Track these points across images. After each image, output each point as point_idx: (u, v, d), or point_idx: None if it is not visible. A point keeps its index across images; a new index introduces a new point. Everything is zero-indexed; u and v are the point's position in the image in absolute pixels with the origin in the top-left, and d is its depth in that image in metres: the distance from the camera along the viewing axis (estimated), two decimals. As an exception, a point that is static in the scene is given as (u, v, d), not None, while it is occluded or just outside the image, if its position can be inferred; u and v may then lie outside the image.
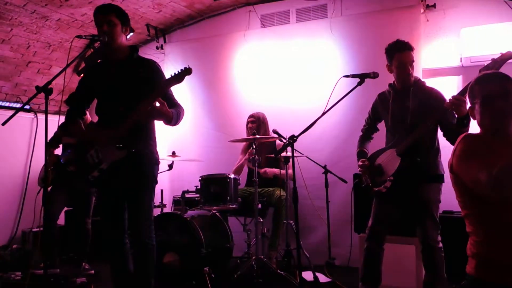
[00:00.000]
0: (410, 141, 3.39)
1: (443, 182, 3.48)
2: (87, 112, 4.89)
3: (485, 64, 3.10)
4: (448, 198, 3.46)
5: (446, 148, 3.44)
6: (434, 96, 3.48)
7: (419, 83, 3.60)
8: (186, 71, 3.09)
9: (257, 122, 5.31)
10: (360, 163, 3.74)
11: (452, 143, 3.38)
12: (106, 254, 3.43)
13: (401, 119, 3.55)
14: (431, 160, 3.49)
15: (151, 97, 3.08)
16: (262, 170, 5.13)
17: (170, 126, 3.33)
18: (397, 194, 3.50)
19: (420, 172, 3.43)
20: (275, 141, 5.23)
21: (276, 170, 5.14)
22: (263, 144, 5.26)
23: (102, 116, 3.40)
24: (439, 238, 3.42)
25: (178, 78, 3.09)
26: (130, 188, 3.26)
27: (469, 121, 3.17)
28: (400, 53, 3.54)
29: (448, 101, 3.17)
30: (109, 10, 3.25)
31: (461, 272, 4.24)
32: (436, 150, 3.53)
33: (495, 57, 3.09)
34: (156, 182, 3.40)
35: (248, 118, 5.38)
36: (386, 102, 3.71)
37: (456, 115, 3.16)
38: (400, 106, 3.57)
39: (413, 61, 3.54)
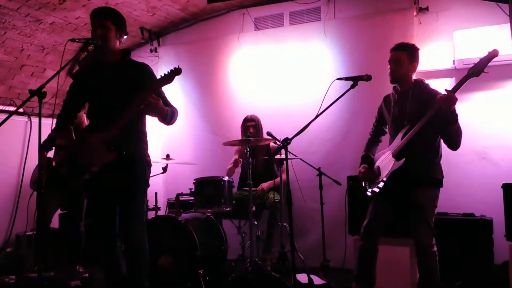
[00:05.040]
0: (404, 143, 3.39)
1: (441, 186, 3.48)
2: (84, 116, 4.89)
3: (474, 63, 3.16)
4: (442, 199, 3.49)
5: (457, 152, 3.47)
6: (434, 98, 3.37)
7: (421, 85, 3.58)
8: (176, 71, 3.09)
9: (257, 126, 5.32)
10: (361, 169, 3.78)
11: (448, 145, 3.41)
12: (98, 257, 3.42)
13: (399, 121, 3.56)
14: (427, 163, 3.46)
15: (142, 96, 3.08)
16: (259, 188, 5.16)
17: (164, 124, 3.33)
18: (391, 196, 3.52)
19: (415, 175, 3.42)
20: (269, 143, 5.24)
21: (271, 183, 5.16)
22: (257, 147, 5.26)
23: (93, 119, 3.40)
24: (434, 242, 3.42)
25: (168, 78, 3.09)
26: (122, 191, 3.25)
27: (455, 117, 3.24)
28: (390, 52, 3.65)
29: (440, 96, 3.22)
30: (105, 14, 3.25)
31: (455, 275, 4.28)
32: (435, 153, 3.49)
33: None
34: (148, 185, 3.39)
35: (248, 122, 5.34)
36: (389, 104, 3.73)
37: (443, 109, 3.21)
38: (400, 108, 3.59)
39: (399, 59, 3.57)
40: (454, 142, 3.38)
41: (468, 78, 3.19)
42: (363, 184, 3.78)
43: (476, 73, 3.18)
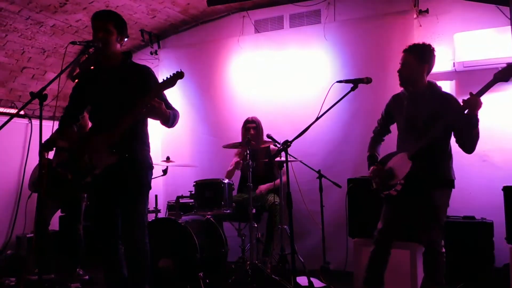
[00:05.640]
0: (422, 144, 3.34)
1: (453, 187, 3.46)
2: (87, 119, 4.89)
3: (499, 68, 3.13)
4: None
5: (458, 154, 3.46)
6: (449, 101, 3.39)
7: (434, 87, 3.52)
8: (178, 75, 3.10)
9: (257, 128, 5.32)
10: (371, 168, 3.71)
11: (464, 148, 3.38)
12: (100, 260, 3.43)
13: (414, 122, 3.50)
14: (443, 164, 3.44)
15: (145, 99, 3.08)
16: (258, 190, 5.13)
17: (166, 127, 3.34)
18: (407, 198, 3.46)
19: (432, 176, 3.39)
20: (269, 146, 5.24)
21: (270, 185, 5.11)
22: (257, 149, 5.26)
23: (95, 121, 3.41)
24: (443, 243, 3.41)
25: (170, 81, 3.09)
26: (123, 193, 3.26)
27: (477, 121, 3.21)
28: None
29: (465, 99, 3.18)
30: (107, 18, 3.26)
31: (456, 277, 4.26)
32: (448, 155, 3.47)
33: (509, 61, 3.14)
34: (150, 188, 3.39)
35: (248, 124, 5.32)
36: (400, 104, 3.66)
37: (466, 112, 3.18)
38: (414, 109, 3.52)
39: (406, 62, 3.52)
40: (471, 146, 3.33)
41: (495, 83, 3.13)
42: (374, 186, 3.72)
43: (505, 78, 3.11)
